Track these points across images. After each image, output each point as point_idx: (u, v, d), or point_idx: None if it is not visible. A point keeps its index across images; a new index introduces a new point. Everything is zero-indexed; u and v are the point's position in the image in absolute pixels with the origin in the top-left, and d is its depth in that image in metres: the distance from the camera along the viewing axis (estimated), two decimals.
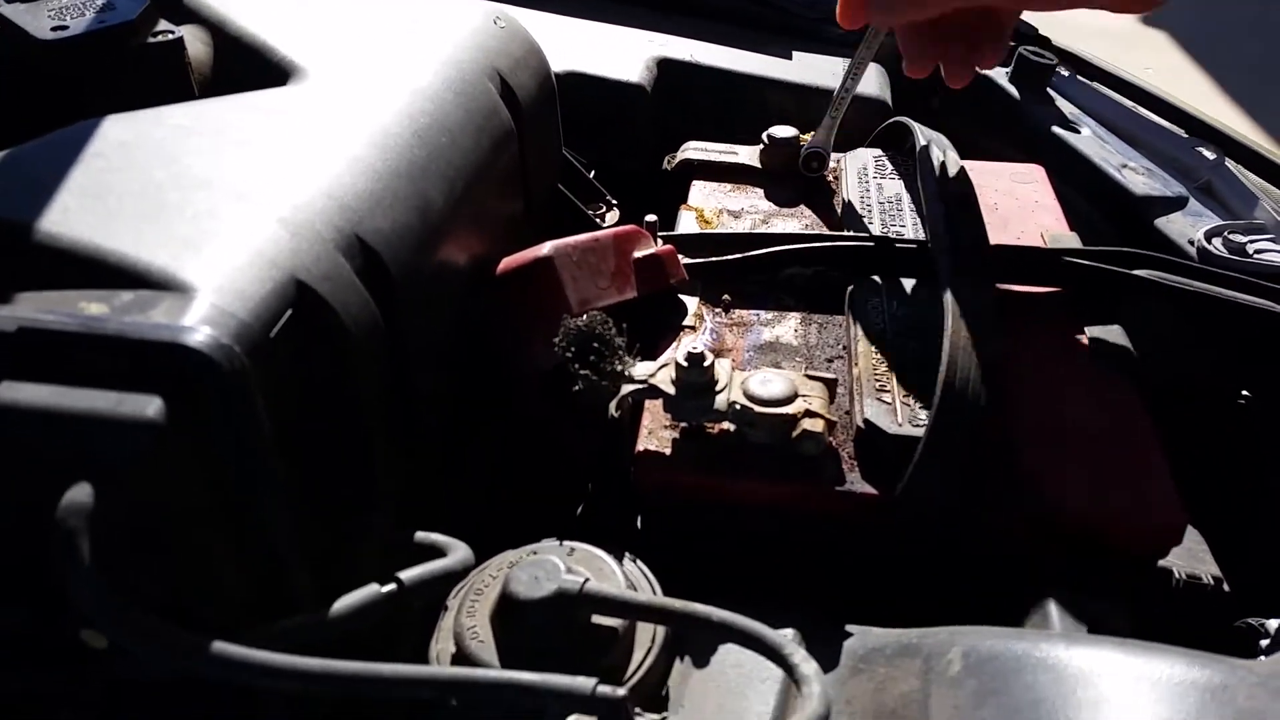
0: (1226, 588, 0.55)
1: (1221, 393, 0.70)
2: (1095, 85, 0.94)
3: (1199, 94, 3.43)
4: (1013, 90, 0.91)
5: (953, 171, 0.68)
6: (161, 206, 0.41)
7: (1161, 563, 0.53)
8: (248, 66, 0.56)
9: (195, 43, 0.57)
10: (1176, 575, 0.54)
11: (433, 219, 0.50)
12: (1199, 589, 0.54)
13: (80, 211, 0.39)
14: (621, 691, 0.34)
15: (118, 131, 0.45)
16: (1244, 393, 0.69)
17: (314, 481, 0.41)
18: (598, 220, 0.75)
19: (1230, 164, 0.84)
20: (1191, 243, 0.74)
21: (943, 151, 0.70)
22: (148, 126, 0.46)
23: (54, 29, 0.51)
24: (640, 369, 0.53)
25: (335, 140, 0.48)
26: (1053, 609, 0.45)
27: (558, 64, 0.85)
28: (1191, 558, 0.57)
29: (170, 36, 0.53)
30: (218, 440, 0.35)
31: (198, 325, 0.34)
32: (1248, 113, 3.31)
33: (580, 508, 0.59)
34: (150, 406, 0.32)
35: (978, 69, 0.59)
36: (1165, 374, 0.66)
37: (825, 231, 0.72)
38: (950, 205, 0.63)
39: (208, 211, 0.41)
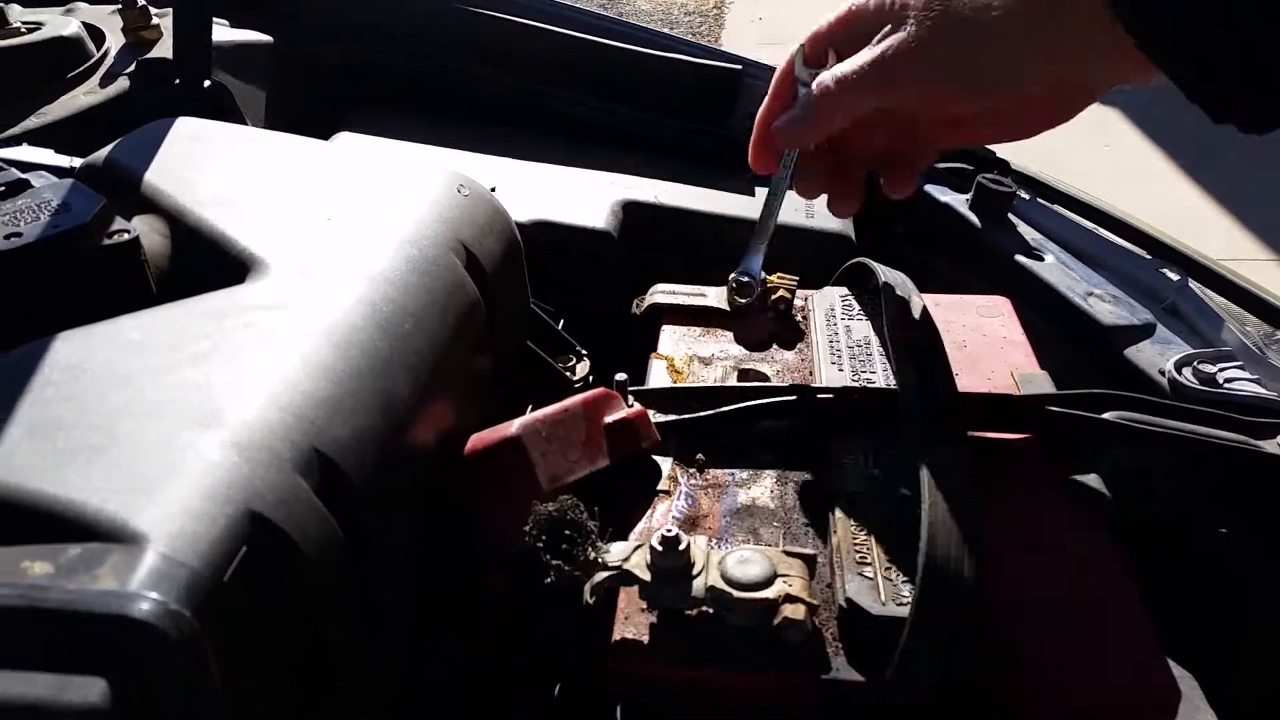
0: None
1: (1199, 528, 0.70)
2: (1056, 208, 0.96)
3: (1155, 167, 3.52)
4: (973, 218, 0.92)
5: (917, 315, 0.68)
6: (113, 440, 0.40)
7: None
8: (206, 259, 0.55)
9: (152, 234, 0.57)
10: None
11: (397, 414, 0.49)
12: None
13: (27, 453, 0.38)
14: None
15: (68, 353, 0.44)
16: (1222, 530, 0.68)
17: (274, 700, 0.40)
18: (568, 374, 0.74)
19: (1193, 285, 0.85)
20: (1162, 373, 0.74)
21: (907, 296, 0.70)
22: (100, 344, 0.45)
23: (7, 236, 0.50)
24: (614, 552, 0.51)
25: (294, 343, 0.47)
26: None
27: (524, 213, 0.86)
28: (1189, 706, 0.56)
29: (126, 237, 0.52)
30: (167, 705, 0.33)
31: (145, 591, 0.33)
32: (1202, 185, 3.39)
33: (555, 696, 0.57)
34: (93, 691, 0.30)
35: (897, 189, 0.63)
36: (1142, 509, 0.66)
37: (797, 380, 0.71)
38: (918, 359, 0.62)
39: (160, 443, 0.40)
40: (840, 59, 0.55)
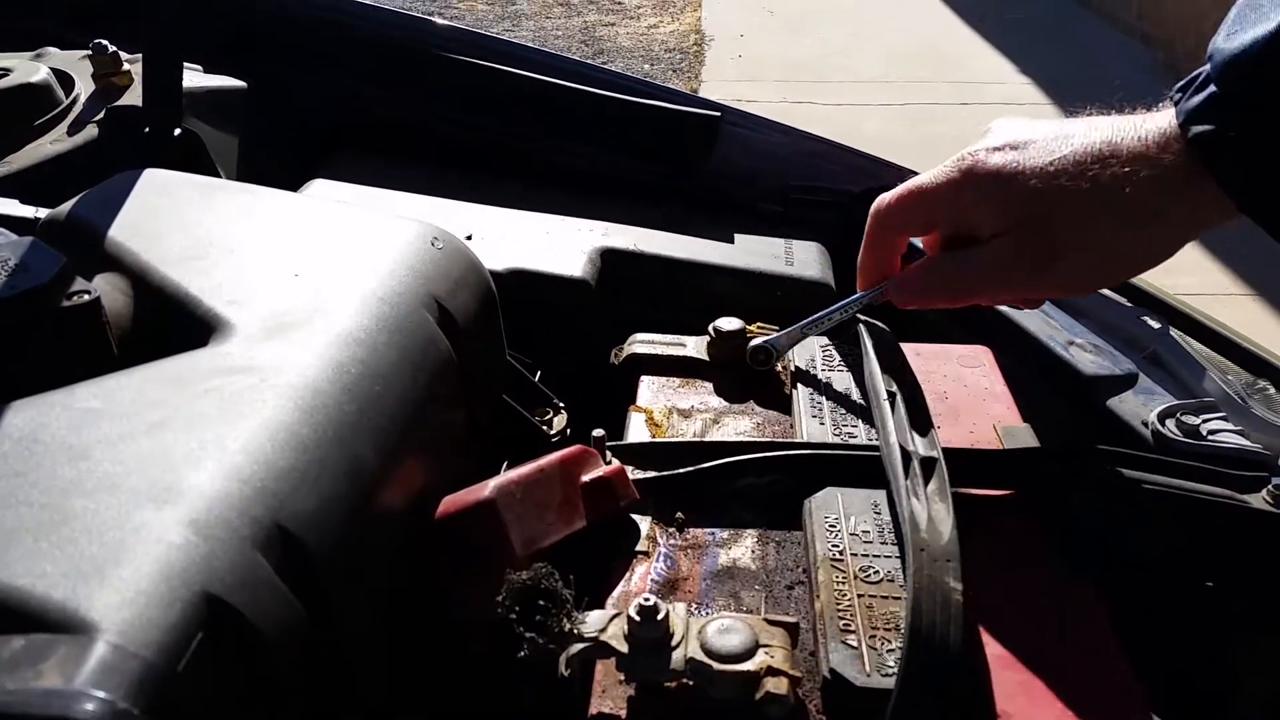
0: None
1: (1183, 581, 0.69)
2: None
3: None
4: None
5: (899, 370, 0.67)
6: (64, 518, 0.38)
7: None
8: (170, 319, 0.54)
9: (115, 294, 0.55)
10: None
11: (365, 482, 0.48)
12: None
13: None
14: None
15: (20, 423, 0.42)
16: (1208, 583, 0.67)
17: None
18: (545, 427, 0.73)
19: (1174, 332, 0.85)
20: (1145, 424, 0.73)
21: (889, 349, 0.69)
22: (55, 414, 0.43)
23: None
24: (590, 622, 0.50)
25: (258, 410, 0.46)
26: None
27: (500, 261, 0.85)
28: None
29: (86, 298, 0.50)
30: None
31: (90, 689, 0.31)
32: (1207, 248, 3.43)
33: None
34: None
35: None
36: (1125, 566, 0.65)
37: (777, 435, 0.70)
38: (898, 413, 0.62)
39: (114, 521, 0.38)
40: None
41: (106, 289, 0.55)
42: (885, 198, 0.66)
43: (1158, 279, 0.92)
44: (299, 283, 0.57)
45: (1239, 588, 0.67)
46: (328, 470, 0.45)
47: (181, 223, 0.61)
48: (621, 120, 1.00)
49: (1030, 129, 0.60)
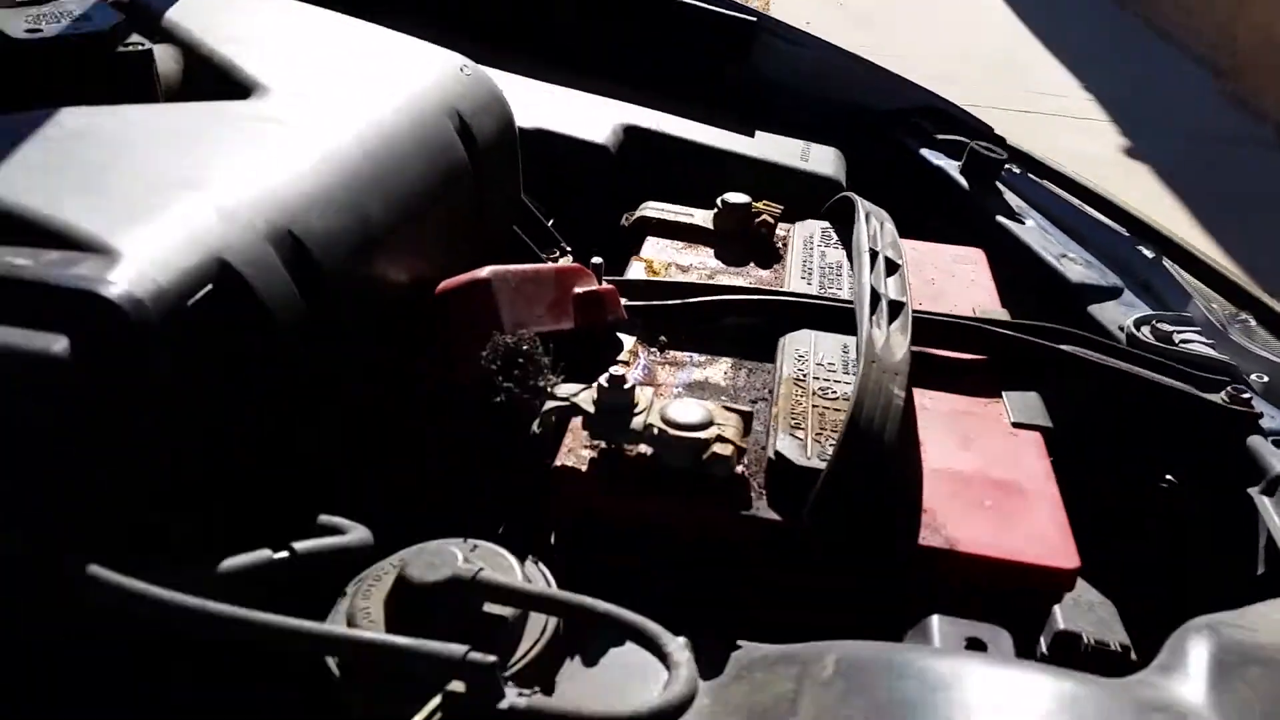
0: (1134, 656, 0.55)
1: (1143, 474, 0.72)
2: (1044, 183, 0.98)
3: (1174, 221, 3.53)
4: (963, 181, 0.95)
5: (888, 239, 0.71)
6: (103, 184, 0.43)
7: (1070, 628, 0.54)
8: (213, 83, 0.59)
9: (167, 60, 0.60)
10: (1085, 640, 0.55)
11: (370, 229, 0.52)
12: (1106, 654, 0.55)
13: (22, 181, 0.42)
14: (491, 658, 0.34)
15: (73, 120, 0.47)
16: (1168, 477, 0.70)
17: (224, 454, 0.43)
18: (549, 262, 0.77)
19: (1167, 263, 0.88)
20: (1121, 329, 0.76)
21: (880, 223, 0.73)
22: (102, 119, 0.48)
23: (27, 31, 0.54)
24: (564, 389, 0.54)
25: (282, 146, 0.51)
26: (934, 626, 0.46)
27: (526, 120, 0.88)
28: (1101, 625, 0.58)
29: (141, 48, 0.55)
30: (119, 373, 0.36)
31: (113, 279, 0.36)
32: (1222, 245, 3.41)
33: (498, 521, 0.59)
34: (56, 344, 0.33)
35: None
36: (1088, 454, 0.68)
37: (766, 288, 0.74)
38: (875, 262, 0.65)
39: (149, 190, 0.43)
40: None
41: (160, 54, 0.60)
42: None
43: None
44: (335, 71, 0.61)
45: (1191, 478, 0.70)
46: (338, 206, 0.50)
47: (236, 14, 0.66)
48: (661, 14, 1.03)
49: None
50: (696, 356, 0.66)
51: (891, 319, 0.62)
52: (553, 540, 0.55)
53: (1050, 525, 0.53)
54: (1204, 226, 3.47)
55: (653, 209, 0.84)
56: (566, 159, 0.88)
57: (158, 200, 0.42)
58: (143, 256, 0.39)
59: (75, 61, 0.55)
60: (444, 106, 0.64)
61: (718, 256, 0.80)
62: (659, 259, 0.78)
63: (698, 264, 0.78)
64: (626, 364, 0.64)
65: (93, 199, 0.41)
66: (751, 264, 0.79)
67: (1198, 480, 0.71)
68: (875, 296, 0.63)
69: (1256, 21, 4.89)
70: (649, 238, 0.81)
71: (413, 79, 0.64)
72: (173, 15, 0.64)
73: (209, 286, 0.41)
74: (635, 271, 0.76)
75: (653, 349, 0.66)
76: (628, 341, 0.66)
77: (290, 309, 0.44)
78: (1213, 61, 5.47)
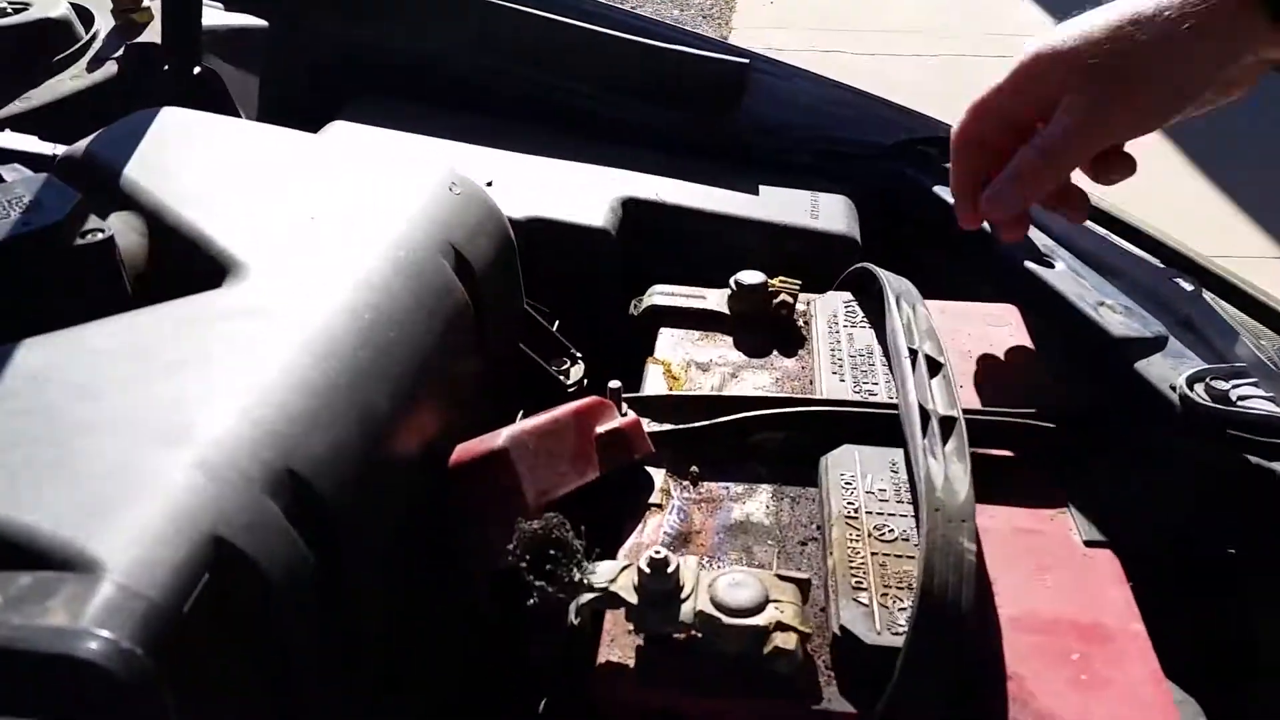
0: None
1: (1208, 551, 0.68)
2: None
3: (1165, 163, 3.48)
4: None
5: (924, 328, 0.66)
6: (73, 458, 0.38)
7: None
8: (184, 260, 0.53)
9: (130, 233, 0.55)
10: None
11: (377, 428, 0.47)
12: None
13: None
14: None
15: (32, 361, 0.42)
16: (1230, 550, 0.66)
17: None
18: (562, 377, 0.72)
19: (1208, 295, 0.83)
20: (1173, 388, 0.72)
21: (912, 306, 0.68)
22: (66, 352, 0.43)
23: None
24: (600, 573, 0.50)
25: (270, 353, 0.45)
26: None
27: (520, 209, 0.84)
28: None
29: (100, 236, 0.50)
30: None
31: (95, 628, 0.31)
32: (1212, 179, 3.36)
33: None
34: None
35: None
36: (1149, 531, 0.64)
37: (796, 390, 0.69)
38: (916, 365, 0.60)
39: (122, 461, 0.38)
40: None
41: (121, 228, 0.54)
42: (961, 119, 0.69)
43: (1193, 241, 0.90)
44: (314, 226, 0.56)
45: (1263, 557, 0.66)
46: (340, 416, 0.45)
47: (198, 162, 0.61)
48: (647, 66, 0.97)
49: (1077, 20, 0.63)
50: (733, 487, 0.61)
51: (944, 439, 0.57)
52: None
53: (1145, 682, 0.48)
54: (1201, 166, 3.42)
55: (661, 295, 0.79)
56: (564, 246, 0.83)
57: (137, 475, 0.37)
58: (127, 564, 0.34)
59: (30, 265, 0.49)
60: (438, 244, 0.59)
61: (737, 346, 0.75)
62: (676, 358, 0.73)
63: (718, 358, 0.73)
64: (660, 507, 0.60)
65: (63, 488, 0.36)
66: (775, 352, 0.74)
67: (1266, 552, 0.67)
68: (925, 414, 0.58)
69: None
70: (662, 330, 0.76)
71: (401, 218, 0.58)
72: (131, 172, 0.59)
73: (205, 577, 0.36)
74: (653, 379, 0.71)
75: (685, 483, 0.61)
76: (657, 476, 0.62)
77: (296, 567, 0.40)
78: None
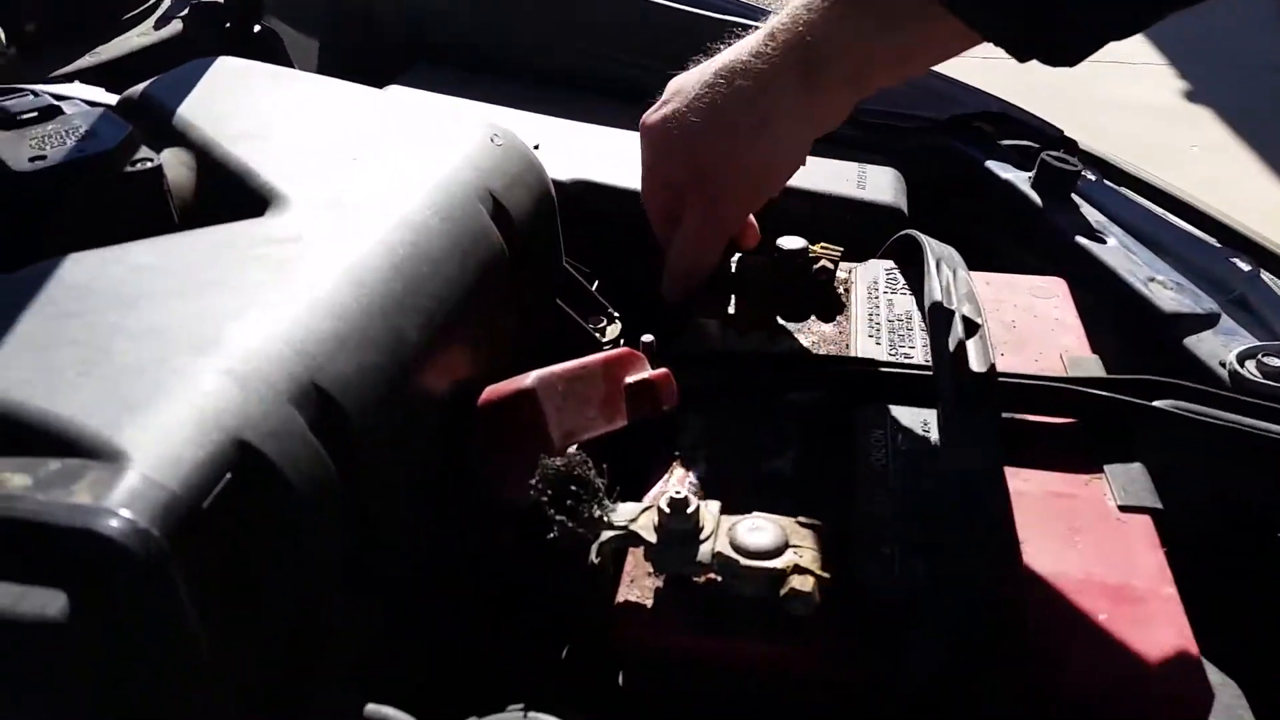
0: None
1: (1256, 529, 0.66)
2: (1123, 190, 0.91)
3: (1242, 170, 3.39)
4: (1035, 197, 0.88)
5: (963, 291, 0.65)
6: (107, 358, 0.39)
7: None
8: (229, 192, 0.55)
9: (179, 166, 0.56)
10: None
11: (406, 357, 0.48)
12: None
13: (18, 366, 0.38)
14: None
15: (76, 273, 0.44)
16: (1277, 533, 0.64)
17: (257, 653, 0.39)
18: (597, 335, 0.72)
19: (1266, 276, 0.81)
20: (1223, 364, 0.70)
21: (953, 270, 0.67)
22: (108, 267, 0.45)
23: (32, 159, 0.50)
24: (622, 513, 0.50)
25: (305, 277, 0.46)
26: None
27: (564, 171, 0.84)
28: (1231, 716, 0.53)
29: (149, 165, 0.52)
30: (130, 626, 0.32)
31: (116, 508, 0.32)
32: None
33: (560, 659, 0.55)
34: (53, 604, 0.30)
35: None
36: (1192, 508, 0.62)
37: (833, 350, 0.69)
38: (956, 333, 0.60)
39: (154, 364, 0.39)
40: None
41: (171, 160, 0.56)
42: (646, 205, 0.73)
43: (1250, 220, 0.88)
44: (356, 165, 0.57)
45: None
46: (369, 340, 0.46)
47: (249, 105, 0.62)
48: (703, 36, 0.97)
49: (690, 74, 0.67)
50: (762, 443, 0.61)
51: (977, 399, 0.56)
52: (620, 681, 0.51)
53: (1176, 644, 0.47)
54: (1278, 172, 3.32)
55: None
56: (610, 210, 0.83)
57: (167, 377, 0.39)
58: (152, 457, 0.35)
59: (82, 189, 0.51)
60: (477, 190, 0.59)
61: (777, 311, 0.74)
62: (713, 321, 0.73)
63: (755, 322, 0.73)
64: (688, 460, 0.60)
65: (95, 384, 0.38)
66: (813, 317, 0.73)
67: None
68: (958, 375, 0.57)
69: None
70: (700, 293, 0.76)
71: (442, 162, 0.59)
72: (184, 112, 0.61)
73: (227, 477, 0.37)
74: (689, 338, 0.71)
75: (714, 436, 0.61)
76: (686, 430, 0.62)
77: (320, 478, 0.41)
78: None
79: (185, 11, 0.90)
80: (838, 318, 0.73)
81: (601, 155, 0.88)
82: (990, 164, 0.94)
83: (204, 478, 0.36)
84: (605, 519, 0.49)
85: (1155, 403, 0.60)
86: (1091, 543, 0.53)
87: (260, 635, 0.39)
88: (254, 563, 0.38)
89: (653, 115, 0.68)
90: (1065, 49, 0.55)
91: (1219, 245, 0.84)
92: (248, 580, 0.38)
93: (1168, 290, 0.76)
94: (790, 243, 0.76)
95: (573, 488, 0.49)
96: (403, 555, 0.47)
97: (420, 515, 0.49)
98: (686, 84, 0.67)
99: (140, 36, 0.88)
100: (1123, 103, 3.87)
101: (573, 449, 0.52)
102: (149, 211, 0.52)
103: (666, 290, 0.72)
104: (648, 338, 0.65)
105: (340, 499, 0.42)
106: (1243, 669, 0.56)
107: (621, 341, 0.74)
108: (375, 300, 0.47)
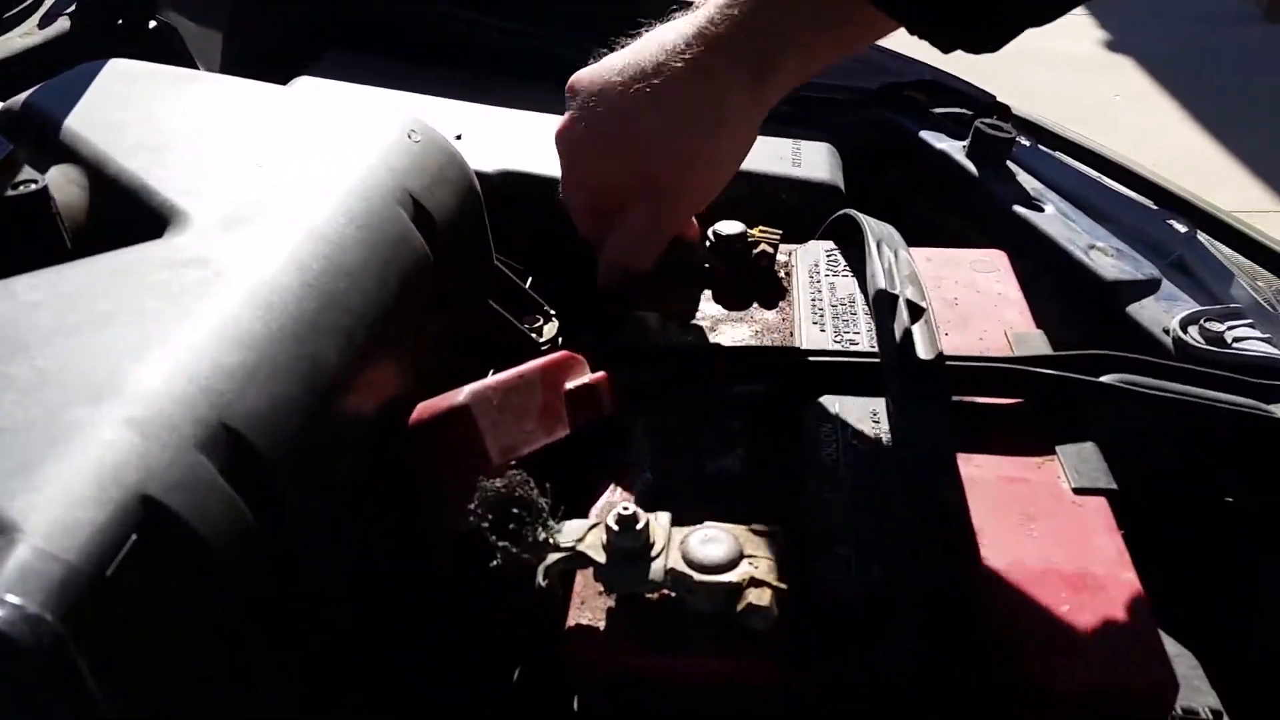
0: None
1: (1204, 495, 0.66)
2: (1057, 155, 0.91)
3: (1168, 119, 3.44)
4: (970, 166, 0.87)
5: (905, 273, 0.64)
6: None
7: None
8: (126, 212, 0.51)
9: (69, 186, 0.52)
10: (1174, 711, 0.49)
11: (324, 382, 0.45)
12: None
13: None
14: None
15: None
16: (1228, 499, 0.64)
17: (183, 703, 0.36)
18: (533, 335, 0.70)
19: (1202, 236, 0.81)
20: (1166, 331, 0.70)
21: (894, 251, 0.65)
22: None
23: None
24: (568, 532, 0.48)
25: (209, 305, 0.43)
26: None
27: (492, 162, 0.81)
28: (1188, 687, 0.53)
29: (33, 187, 0.48)
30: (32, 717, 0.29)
31: (3, 593, 0.29)
32: (1214, 134, 3.32)
33: (510, 685, 0.53)
34: None
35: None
36: (1141, 476, 0.62)
37: (777, 342, 0.67)
38: (901, 320, 0.58)
39: (45, 418, 0.36)
40: None
41: (60, 180, 0.52)
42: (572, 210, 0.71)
43: (1178, 171, 0.88)
44: (262, 174, 0.53)
45: (1261, 503, 0.64)
46: (281, 369, 0.42)
47: (143, 112, 0.58)
48: (632, 12, 0.94)
49: (597, 71, 0.66)
50: (710, 442, 0.59)
51: (924, 384, 0.55)
52: (575, 705, 0.49)
53: (1138, 633, 0.46)
54: (1201, 121, 3.38)
55: None
56: (539, 201, 0.80)
57: (60, 432, 0.35)
58: (47, 526, 0.32)
59: None
60: (394, 192, 0.56)
61: (716, 299, 0.72)
62: (653, 313, 0.70)
63: (697, 312, 0.71)
64: (634, 465, 0.57)
65: None
66: (755, 305, 0.71)
67: (1265, 497, 0.65)
68: (904, 360, 0.56)
69: None
70: (638, 284, 0.74)
71: (355, 164, 0.56)
72: (72, 123, 0.56)
73: (132, 538, 0.34)
74: (629, 333, 0.68)
75: (660, 437, 0.59)
76: (631, 433, 0.59)
77: (233, 528, 0.38)
78: None
79: (72, 8, 0.84)
80: (780, 304, 0.71)
81: (529, 142, 0.85)
82: (924, 134, 0.92)
83: (106, 543, 0.33)
84: (550, 540, 0.47)
85: (1102, 378, 0.60)
86: (1048, 529, 0.52)
87: (178, 700, 0.36)
88: (168, 625, 0.35)
89: (572, 125, 0.66)
90: (985, 43, 0.56)
91: (1155, 207, 0.84)
92: (162, 645, 0.35)
93: (1108, 257, 0.75)
94: (728, 227, 0.74)
95: (514, 510, 0.46)
96: (332, 598, 0.44)
97: (350, 551, 0.46)
98: (603, 84, 0.64)
99: (22, 37, 0.82)
100: (1045, 54, 3.90)
101: (513, 466, 0.49)
102: (36, 239, 0.48)
103: (602, 285, 0.69)
104: (587, 338, 0.63)
105: (259, 546, 0.39)
106: (1199, 637, 0.56)
107: (560, 340, 0.71)
108: (286, 324, 0.44)
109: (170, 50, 0.83)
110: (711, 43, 0.60)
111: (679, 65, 0.61)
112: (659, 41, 0.63)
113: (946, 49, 0.56)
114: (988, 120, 0.89)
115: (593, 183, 0.68)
